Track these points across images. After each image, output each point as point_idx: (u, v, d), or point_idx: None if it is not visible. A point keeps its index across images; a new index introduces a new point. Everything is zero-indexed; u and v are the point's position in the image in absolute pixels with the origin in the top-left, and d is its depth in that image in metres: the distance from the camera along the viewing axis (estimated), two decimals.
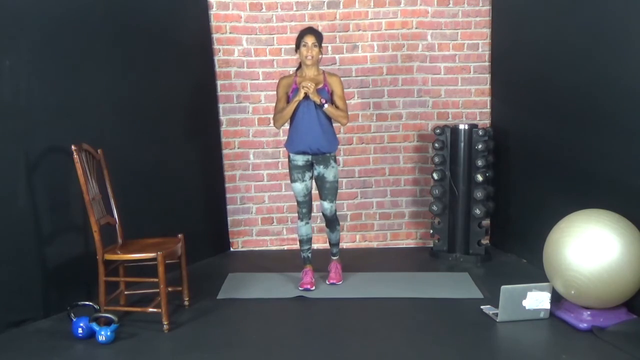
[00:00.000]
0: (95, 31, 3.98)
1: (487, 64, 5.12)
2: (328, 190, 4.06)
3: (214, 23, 5.00)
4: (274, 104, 5.08)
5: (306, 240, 4.18)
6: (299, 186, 4.06)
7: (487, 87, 5.15)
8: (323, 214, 4.16)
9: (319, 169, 4.03)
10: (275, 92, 4.15)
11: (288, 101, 3.99)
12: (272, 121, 4.20)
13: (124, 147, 4.11)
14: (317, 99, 3.86)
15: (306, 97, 3.86)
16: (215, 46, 5.02)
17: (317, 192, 4.14)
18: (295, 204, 4.20)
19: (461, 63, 5.13)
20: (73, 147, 3.32)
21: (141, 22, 4.35)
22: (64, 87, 3.78)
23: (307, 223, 4.15)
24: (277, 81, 5.05)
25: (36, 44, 3.61)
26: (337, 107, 4.00)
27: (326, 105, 3.90)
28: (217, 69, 5.05)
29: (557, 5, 4.14)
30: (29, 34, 3.58)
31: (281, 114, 3.99)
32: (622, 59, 3.49)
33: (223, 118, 5.12)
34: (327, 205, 4.08)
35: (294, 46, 5.02)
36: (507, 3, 4.86)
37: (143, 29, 4.35)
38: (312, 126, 3.93)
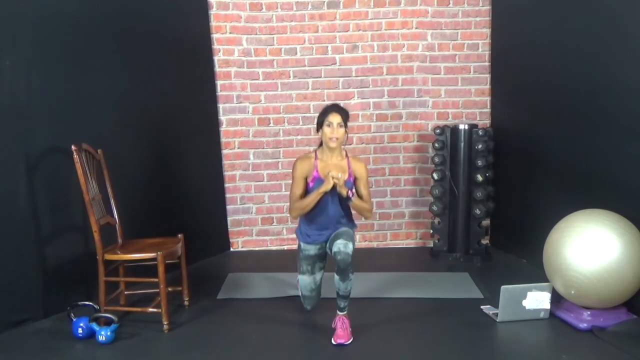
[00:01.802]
0: (96, 31, 3.98)
1: (487, 64, 5.12)
2: (343, 233, 3.38)
3: (214, 23, 5.00)
4: (273, 104, 5.14)
5: (308, 297, 3.67)
6: (306, 279, 3.55)
7: (487, 87, 5.15)
8: (335, 258, 3.24)
9: (336, 244, 3.28)
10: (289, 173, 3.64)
11: (307, 187, 3.44)
12: (289, 210, 3.58)
13: (124, 147, 4.12)
14: (344, 192, 3.32)
15: (332, 188, 3.32)
16: (215, 46, 5.02)
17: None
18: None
19: (461, 63, 5.13)
20: (73, 147, 3.32)
21: (141, 22, 4.35)
22: (64, 87, 3.78)
23: (307, 309, 3.68)
24: (277, 82, 5.11)
25: (36, 44, 3.62)
26: (360, 196, 3.48)
27: (353, 199, 3.39)
28: (217, 69, 5.05)
29: (557, 5, 4.14)
30: (29, 34, 3.58)
31: (301, 204, 3.39)
32: (622, 59, 3.49)
33: (223, 118, 5.12)
34: (341, 243, 3.24)
35: (294, 46, 5.08)
36: (507, 3, 4.86)
37: (143, 29, 4.35)
38: (332, 219, 3.46)
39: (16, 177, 3.53)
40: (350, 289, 3.29)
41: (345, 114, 3.41)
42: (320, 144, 3.49)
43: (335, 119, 3.36)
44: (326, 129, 3.37)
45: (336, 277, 3.27)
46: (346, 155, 3.51)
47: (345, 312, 3.36)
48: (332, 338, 3.28)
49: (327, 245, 3.47)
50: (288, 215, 5.20)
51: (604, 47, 3.65)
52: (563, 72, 4.08)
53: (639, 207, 3.33)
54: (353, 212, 3.55)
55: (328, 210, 3.44)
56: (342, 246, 3.22)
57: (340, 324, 3.34)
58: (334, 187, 3.31)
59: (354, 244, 3.29)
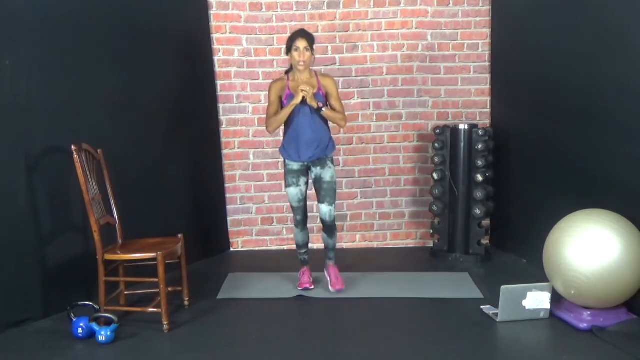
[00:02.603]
0: (95, 31, 3.98)
1: (487, 64, 5.12)
2: (326, 191, 3.90)
3: (214, 23, 5.00)
4: (268, 100, 5.12)
5: (303, 245, 4.14)
6: (293, 191, 3.92)
7: (487, 87, 5.15)
8: (321, 220, 3.99)
9: (316, 171, 3.92)
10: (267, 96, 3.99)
11: (282, 106, 3.85)
12: (265, 126, 4.01)
13: (124, 147, 4.11)
14: (314, 104, 3.75)
15: (302, 101, 3.73)
16: (215, 46, 5.02)
17: (314, 196, 4.06)
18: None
19: (461, 63, 5.13)
20: (73, 147, 3.32)
21: (141, 22, 4.35)
22: (64, 87, 3.78)
23: (303, 230, 4.07)
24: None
25: (36, 44, 3.62)
26: (333, 109, 3.88)
27: (324, 109, 3.80)
28: (217, 69, 5.05)
29: (557, 5, 4.14)
30: (29, 34, 3.58)
31: (275, 118, 3.84)
32: (622, 59, 3.49)
33: (223, 118, 5.12)
34: (325, 208, 3.91)
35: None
36: (507, 3, 4.86)
37: (143, 29, 4.35)
38: (308, 132, 3.81)
39: (16, 177, 3.53)
40: (336, 242, 4.08)
41: (311, 38, 3.79)
42: (291, 68, 3.87)
43: (301, 43, 3.74)
44: (294, 54, 3.76)
45: (324, 234, 4.04)
46: (315, 74, 3.89)
47: (334, 261, 4.10)
48: (328, 287, 4.04)
49: (311, 175, 3.95)
50: (288, 215, 5.21)
51: (603, 47, 3.65)
52: (563, 72, 4.08)
53: (639, 207, 3.33)
54: (332, 125, 3.96)
55: (303, 124, 3.82)
56: (325, 216, 3.93)
57: (334, 273, 4.06)
58: (306, 102, 3.73)
59: (335, 204, 3.95)
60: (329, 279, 4.10)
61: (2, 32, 3.44)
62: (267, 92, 5.05)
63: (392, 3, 5.08)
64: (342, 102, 3.99)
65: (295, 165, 3.91)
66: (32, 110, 3.60)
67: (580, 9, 3.89)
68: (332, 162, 3.97)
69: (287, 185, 3.95)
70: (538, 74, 4.39)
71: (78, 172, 3.33)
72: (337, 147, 4.86)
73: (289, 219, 5.21)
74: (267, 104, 5.04)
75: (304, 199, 3.98)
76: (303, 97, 3.72)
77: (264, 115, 5.09)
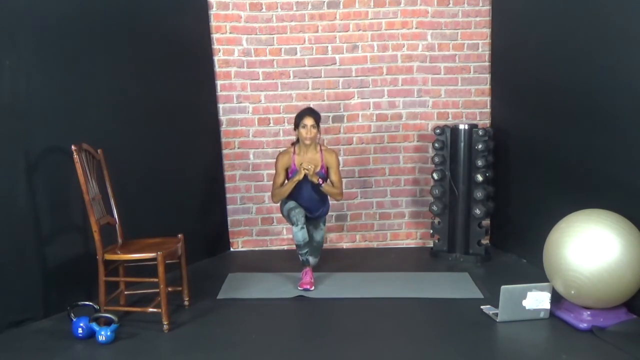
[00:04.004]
0: (95, 31, 3.98)
1: (487, 64, 5.12)
2: (314, 248, 4.29)
3: (214, 23, 5.00)
4: (273, 104, 5.15)
5: (303, 245, 4.16)
6: (291, 203, 4.20)
7: (487, 87, 5.15)
8: (312, 244, 4.31)
9: (309, 229, 4.27)
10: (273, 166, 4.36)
11: (287, 176, 4.23)
12: (271, 195, 4.36)
13: (124, 147, 4.11)
14: (315, 180, 4.11)
15: (305, 176, 4.09)
16: (215, 46, 5.02)
17: None
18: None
19: (461, 63, 5.13)
20: (73, 147, 3.32)
21: (141, 22, 4.35)
22: (64, 87, 3.78)
23: (303, 228, 4.12)
24: (277, 81, 5.11)
25: (36, 44, 3.62)
26: (331, 182, 4.25)
27: (323, 185, 4.17)
28: (217, 69, 5.05)
29: (557, 5, 4.14)
30: (29, 34, 3.58)
31: (280, 191, 4.22)
32: (622, 59, 3.49)
33: (223, 118, 5.12)
34: (312, 260, 4.24)
35: (294, 46, 5.09)
36: (507, 3, 4.86)
37: (143, 29, 4.35)
38: (309, 200, 4.23)
39: (16, 177, 3.53)
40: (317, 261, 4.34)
41: (317, 117, 4.20)
42: (298, 140, 4.24)
43: (309, 121, 4.13)
44: (302, 130, 4.15)
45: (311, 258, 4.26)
46: (320, 149, 4.26)
47: (309, 268, 4.21)
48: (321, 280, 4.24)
49: (309, 229, 4.26)
50: None
51: (603, 47, 3.65)
52: (563, 72, 4.08)
53: (639, 207, 3.33)
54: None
55: (304, 195, 4.21)
56: (317, 238, 4.36)
57: (307, 273, 4.17)
58: (306, 176, 4.09)
59: (319, 256, 4.35)
60: (301, 277, 4.18)
61: (2, 32, 3.44)
62: (267, 93, 5.11)
63: (392, 3, 5.07)
64: (341, 176, 4.36)
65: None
66: (32, 110, 3.60)
67: (580, 9, 3.89)
68: (324, 223, 4.44)
69: (283, 204, 4.29)
70: (538, 74, 4.39)
71: (78, 172, 3.33)
72: (337, 147, 4.96)
73: None
74: (267, 105, 5.12)
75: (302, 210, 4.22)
76: (305, 174, 4.09)
77: (264, 115, 5.15)
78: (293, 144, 4.31)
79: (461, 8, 5.07)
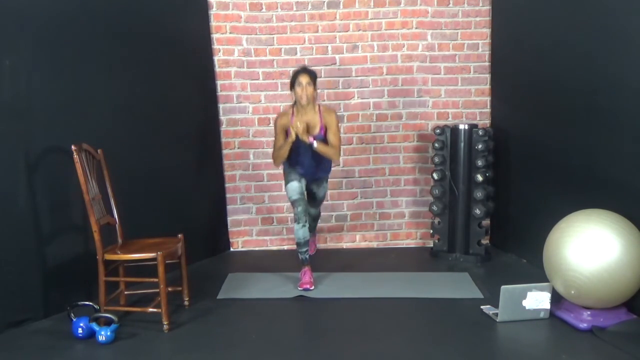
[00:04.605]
0: (95, 31, 3.98)
1: (487, 64, 5.12)
2: (317, 202, 4.39)
3: (214, 23, 5.00)
4: (273, 104, 5.14)
5: (304, 243, 4.13)
6: (295, 184, 4.13)
7: (487, 87, 5.15)
8: (310, 214, 4.34)
9: (312, 187, 4.29)
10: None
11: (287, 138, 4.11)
12: (272, 160, 4.27)
13: (124, 147, 4.11)
14: (306, 139, 3.96)
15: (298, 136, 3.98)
16: (215, 46, 5.02)
17: None
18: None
19: (461, 63, 5.13)
20: (73, 147, 3.32)
21: (141, 22, 4.35)
22: (64, 87, 3.78)
23: (304, 226, 4.08)
24: (277, 81, 5.11)
25: (36, 44, 3.62)
26: (329, 142, 4.07)
27: (315, 145, 3.99)
28: (217, 69, 5.05)
29: (557, 5, 4.14)
30: (29, 34, 3.58)
31: (278, 153, 4.12)
32: (622, 59, 3.49)
33: (223, 118, 5.12)
34: (314, 211, 4.40)
35: (294, 46, 5.09)
36: (507, 3, 4.86)
37: (143, 29, 4.35)
38: (309, 162, 4.13)
39: (16, 177, 3.53)
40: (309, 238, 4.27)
41: (313, 75, 4.04)
42: (295, 102, 4.08)
43: (304, 79, 3.98)
44: (297, 89, 3.99)
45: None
46: (319, 109, 4.09)
47: (306, 267, 4.18)
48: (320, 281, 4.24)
49: (309, 191, 4.27)
50: (288, 215, 5.21)
51: (603, 47, 3.65)
52: (563, 72, 4.08)
53: (639, 207, 3.33)
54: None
55: (303, 156, 4.10)
56: (315, 213, 4.45)
57: (306, 272, 4.16)
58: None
59: (326, 193, 4.45)
60: (300, 277, 4.23)
61: (2, 32, 3.44)
62: (267, 93, 5.11)
63: (392, 3, 5.07)
64: (340, 136, 4.20)
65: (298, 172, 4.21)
66: (32, 110, 3.60)
67: (580, 9, 3.89)
68: (327, 180, 4.39)
69: (288, 181, 4.17)
70: (538, 74, 4.39)
71: (78, 172, 3.33)
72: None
73: (289, 219, 5.22)
74: (267, 104, 5.12)
75: (303, 192, 4.18)
76: (296, 134, 3.96)
77: (264, 115, 5.15)
78: (292, 106, 4.16)
79: (461, 8, 5.07)
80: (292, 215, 5.15)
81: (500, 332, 3.36)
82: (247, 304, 3.91)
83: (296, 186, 4.12)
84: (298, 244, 4.16)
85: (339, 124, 4.19)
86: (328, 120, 4.07)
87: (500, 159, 4.86)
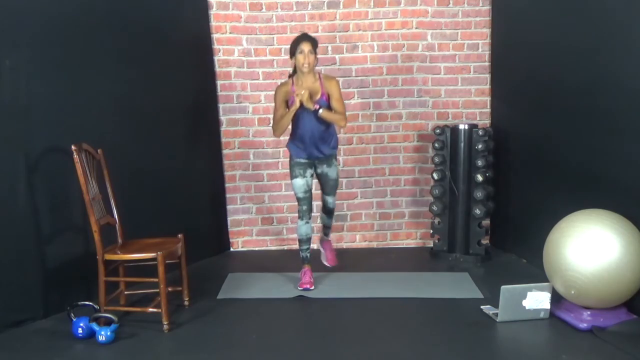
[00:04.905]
0: (95, 31, 3.98)
1: (487, 64, 5.12)
2: (331, 187, 4.20)
3: (214, 23, 5.00)
4: (274, 104, 5.12)
5: (306, 240, 4.15)
6: (299, 182, 4.07)
7: (487, 87, 5.15)
8: (325, 206, 4.30)
9: (322, 168, 4.13)
10: (273, 99, 4.14)
11: (288, 108, 4.00)
12: (271, 129, 4.19)
13: (124, 147, 4.11)
14: (310, 106, 3.88)
15: (303, 104, 3.89)
16: (215, 46, 5.02)
17: (318, 190, 4.28)
18: (296, 202, 4.18)
19: (461, 63, 5.13)
20: (73, 147, 3.32)
21: (141, 22, 4.35)
22: (64, 87, 3.78)
23: (307, 222, 4.12)
24: (277, 81, 5.11)
25: (36, 44, 3.62)
26: (334, 109, 3.99)
27: (321, 111, 3.91)
28: (217, 69, 5.05)
29: (557, 5, 4.14)
30: (29, 34, 3.58)
31: (280, 123, 4.01)
32: (622, 59, 3.49)
33: (223, 118, 5.12)
34: (330, 199, 4.25)
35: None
36: (507, 3, 4.86)
37: (143, 29, 4.35)
38: (312, 132, 3.99)
39: (16, 177, 3.53)
40: (333, 221, 4.46)
41: (315, 42, 3.96)
42: (295, 71, 4.01)
43: (306, 47, 3.89)
44: (299, 56, 3.89)
45: (324, 215, 4.37)
46: (319, 77, 4.01)
47: (329, 238, 4.48)
48: (324, 262, 4.41)
49: (316, 171, 4.15)
50: (288, 215, 5.22)
51: (603, 47, 3.65)
52: (563, 72, 4.08)
53: (639, 207, 3.33)
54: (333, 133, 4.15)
55: (306, 126, 3.98)
56: (330, 204, 4.27)
57: (329, 247, 4.43)
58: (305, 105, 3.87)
59: (335, 195, 4.27)
60: (325, 252, 4.45)
61: (2, 32, 3.44)
62: (267, 93, 5.10)
63: (392, 3, 5.07)
64: (344, 102, 4.08)
65: (302, 159, 4.09)
66: (32, 110, 3.60)
67: (580, 9, 3.89)
68: (336, 159, 4.22)
69: (293, 177, 4.11)
70: (538, 73, 4.39)
71: (78, 172, 3.33)
72: (337, 146, 4.95)
73: (289, 219, 5.22)
74: (267, 105, 5.11)
75: (310, 190, 4.13)
76: (301, 101, 3.87)
77: (264, 115, 5.14)
78: (290, 76, 4.08)
79: (461, 8, 5.07)
80: (292, 215, 5.20)
81: (500, 332, 3.36)
82: (247, 304, 3.91)
83: (301, 184, 4.07)
84: (300, 241, 4.17)
85: (340, 90, 4.08)
86: (329, 87, 3.98)
87: (500, 159, 4.86)
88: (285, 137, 5.11)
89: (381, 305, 3.84)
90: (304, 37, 3.96)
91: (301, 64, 3.89)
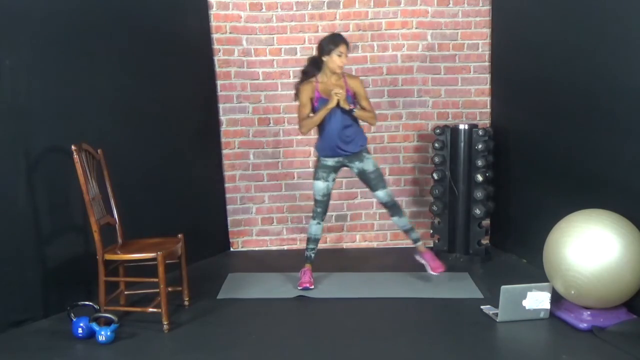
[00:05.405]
0: (95, 31, 3.98)
1: (487, 64, 5.12)
2: (375, 179, 4.10)
3: (214, 23, 5.00)
4: (274, 104, 5.14)
5: (314, 240, 4.17)
6: (320, 184, 4.09)
7: (487, 87, 5.15)
8: (383, 204, 4.19)
9: (356, 165, 4.10)
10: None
11: (313, 108, 4.01)
12: (298, 127, 4.15)
13: (124, 147, 4.12)
14: (346, 106, 3.92)
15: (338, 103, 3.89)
16: (215, 46, 5.02)
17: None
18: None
19: (461, 63, 5.13)
20: (73, 147, 3.32)
21: (141, 22, 4.35)
22: (64, 87, 3.78)
23: (319, 223, 4.15)
24: (277, 81, 5.11)
25: (36, 44, 3.62)
26: (363, 108, 4.05)
27: (355, 111, 3.98)
28: (217, 69, 5.05)
29: (557, 5, 4.14)
30: (29, 34, 3.58)
31: (310, 121, 4.00)
32: (622, 59, 3.49)
33: (223, 118, 5.12)
34: (381, 193, 4.11)
35: (294, 46, 5.08)
36: (507, 3, 4.86)
37: (143, 29, 4.35)
38: (342, 130, 4.00)
39: (16, 177, 3.53)
40: (407, 221, 4.24)
41: (349, 45, 4.01)
42: (311, 68, 4.05)
43: (345, 49, 3.93)
44: (336, 58, 3.90)
45: (393, 218, 4.20)
46: (343, 75, 4.03)
47: (421, 242, 4.24)
48: (429, 270, 4.18)
49: (353, 171, 4.13)
50: (288, 215, 5.22)
51: (603, 47, 3.65)
52: (563, 72, 4.08)
53: (639, 207, 3.33)
54: (361, 125, 4.15)
55: (335, 124, 3.98)
56: (384, 199, 4.12)
57: (430, 256, 4.22)
58: (338, 104, 3.89)
59: (387, 186, 4.16)
60: (426, 263, 4.21)
61: (2, 32, 3.44)
62: (267, 93, 5.10)
63: (392, 3, 5.07)
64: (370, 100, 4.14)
65: (330, 161, 4.09)
66: (32, 110, 3.60)
67: (580, 9, 3.89)
68: (367, 152, 4.16)
69: (315, 178, 4.12)
70: (538, 74, 4.39)
71: (78, 172, 3.33)
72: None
73: (289, 219, 5.22)
74: (267, 104, 5.12)
75: (329, 194, 4.15)
76: (337, 100, 3.88)
77: (264, 115, 5.15)
78: (305, 73, 4.09)
79: (461, 8, 5.07)
80: (292, 215, 5.21)
81: (500, 332, 3.36)
82: (247, 304, 3.91)
83: (321, 187, 4.09)
84: (307, 239, 4.20)
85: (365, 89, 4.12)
86: (354, 86, 4.02)
87: (500, 159, 4.86)
88: (281, 138, 5.17)
89: (381, 305, 3.84)
90: (343, 39, 3.96)
91: (337, 66, 3.92)
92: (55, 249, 3.69)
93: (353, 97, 4.02)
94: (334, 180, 4.16)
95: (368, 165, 4.10)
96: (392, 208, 4.17)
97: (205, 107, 5.01)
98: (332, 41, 3.94)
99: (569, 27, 4.01)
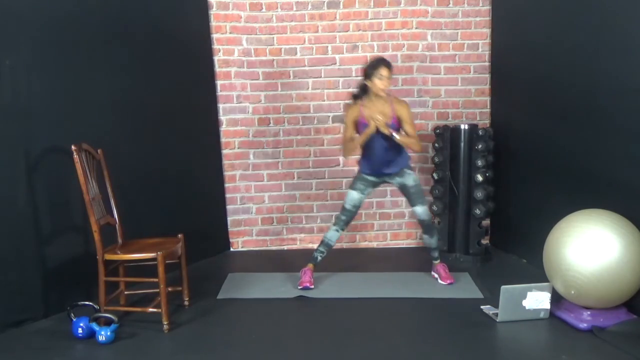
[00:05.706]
0: (96, 31, 3.98)
1: (487, 64, 5.12)
2: (415, 194, 4.10)
3: (214, 23, 5.00)
4: (273, 104, 5.15)
5: (326, 244, 4.19)
6: (355, 195, 4.11)
7: (487, 87, 5.15)
8: (419, 220, 4.18)
9: (395, 180, 4.13)
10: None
11: (356, 129, 4.03)
12: (342, 150, 4.17)
13: (124, 147, 4.12)
14: (386, 131, 3.88)
15: (376, 129, 3.89)
16: (215, 46, 5.02)
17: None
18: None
19: (461, 63, 5.13)
20: (73, 147, 3.32)
21: (141, 22, 4.35)
22: (64, 87, 3.78)
23: (338, 231, 4.17)
24: (277, 81, 5.12)
25: (36, 44, 3.62)
26: (406, 133, 4.00)
27: (395, 136, 3.92)
28: (217, 69, 5.05)
29: (557, 5, 4.14)
30: (29, 34, 3.58)
31: (350, 145, 4.02)
32: (622, 59, 3.49)
33: (223, 118, 5.12)
34: (420, 209, 4.11)
35: (294, 46, 5.09)
36: (507, 3, 4.86)
37: (143, 29, 4.36)
38: (383, 154, 4.01)
39: (16, 177, 3.53)
40: (437, 242, 4.28)
41: (392, 67, 3.97)
42: (360, 92, 4.03)
43: (386, 72, 3.90)
44: (378, 82, 3.89)
45: (425, 236, 4.25)
46: (390, 100, 4.01)
47: (440, 260, 4.33)
48: (439, 280, 4.24)
49: (396, 185, 4.17)
50: (288, 215, 5.22)
51: (603, 47, 3.65)
52: (563, 72, 4.08)
53: (639, 207, 3.33)
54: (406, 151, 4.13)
55: (377, 148, 4.00)
56: (422, 216, 4.13)
57: (442, 267, 4.28)
58: (378, 128, 3.87)
59: (426, 203, 4.18)
60: (438, 275, 4.27)
61: (2, 32, 3.44)
62: (267, 93, 5.10)
63: (392, 3, 5.07)
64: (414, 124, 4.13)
65: (371, 177, 4.13)
66: (32, 110, 3.60)
67: (580, 9, 3.89)
68: (409, 168, 4.16)
69: (352, 188, 4.15)
70: (538, 74, 4.39)
71: (78, 172, 3.33)
72: (337, 147, 4.95)
73: (289, 219, 5.22)
74: (267, 105, 5.12)
75: (359, 207, 4.17)
76: (376, 126, 3.87)
77: (264, 115, 5.15)
78: (354, 97, 4.08)
79: (461, 8, 5.07)
80: (292, 215, 5.21)
81: (500, 332, 3.36)
82: (247, 304, 3.91)
83: (355, 197, 4.11)
84: (322, 242, 4.23)
85: (412, 115, 4.10)
86: (400, 111, 3.99)
87: (500, 159, 4.86)
88: (281, 138, 5.17)
89: (381, 305, 3.84)
90: (385, 63, 3.93)
91: (379, 89, 3.91)
92: (55, 249, 3.69)
93: (397, 123, 3.97)
94: (369, 194, 4.19)
95: (409, 180, 4.11)
96: (427, 227, 4.20)
97: (205, 107, 5.01)
98: (373, 65, 3.93)
99: (569, 27, 4.01)
